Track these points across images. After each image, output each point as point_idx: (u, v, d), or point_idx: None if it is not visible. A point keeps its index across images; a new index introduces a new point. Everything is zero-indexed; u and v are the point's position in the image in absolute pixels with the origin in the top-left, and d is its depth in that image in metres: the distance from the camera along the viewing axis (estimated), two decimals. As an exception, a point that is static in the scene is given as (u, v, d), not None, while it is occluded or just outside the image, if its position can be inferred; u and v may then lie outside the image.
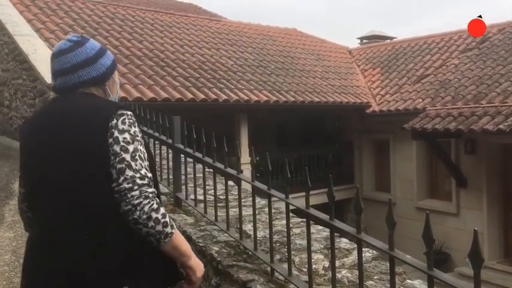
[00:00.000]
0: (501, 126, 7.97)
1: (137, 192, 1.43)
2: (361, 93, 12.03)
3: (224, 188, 2.43)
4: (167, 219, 1.48)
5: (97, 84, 1.64)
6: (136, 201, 1.42)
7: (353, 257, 2.16)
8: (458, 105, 9.51)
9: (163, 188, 3.28)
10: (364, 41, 17.06)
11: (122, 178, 1.44)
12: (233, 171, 2.28)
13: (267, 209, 2.87)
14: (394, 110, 10.90)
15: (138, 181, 1.45)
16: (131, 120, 1.54)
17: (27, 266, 1.57)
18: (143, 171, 1.48)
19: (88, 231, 1.45)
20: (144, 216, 1.43)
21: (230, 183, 2.68)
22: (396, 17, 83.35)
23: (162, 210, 1.48)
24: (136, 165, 1.47)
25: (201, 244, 2.36)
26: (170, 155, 3.07)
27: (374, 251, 2.20)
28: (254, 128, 10.33)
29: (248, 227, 2.51)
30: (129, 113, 1.56)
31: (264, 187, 2.05)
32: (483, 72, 10.46)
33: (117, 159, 1.46)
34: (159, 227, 1.45)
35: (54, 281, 1.45)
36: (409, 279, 1.95)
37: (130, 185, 1.44)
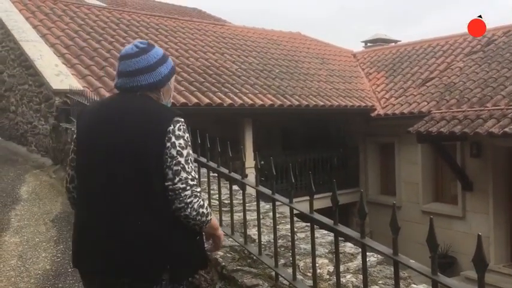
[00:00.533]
0: (507, 129, 7.93)
1: (189, 192, 1.66)
2: (366, 96, 12.02)
3: (229, 192, 2.43)
4: (209, 210, 1.75)
5: (152, 89, 1.82)
6: (188, 200, 1.66)
7: (358, 261, 2.16)
8: (464, 108, 9.47)
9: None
10: (368, 44, 17.06)
11: (177, 179, 1.66)
12: (237, 176, 2.28)
13: (271, 214, 2.88)
14: (399, 114, 10.88)
15: (190, 182, 1.68)
16: (184, 127, 1.76)
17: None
18: (193, 174, 1.71)
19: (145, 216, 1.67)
20: (194, 213, 1.68)
21: (235, 187, 2.68)
22: (400, 21, 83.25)
23: (206, 203, 1.74)
24: (189, 168, 1.70)
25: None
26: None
27: (379, 256, 2.19)
28: (259, 132, 10.34)
29: (253, 232, 2.51)
30: (182, 120, 1.76)
31: (268, 192, 2.06)
32: (488, 75, 10.43)
33: (174, 161, 1.67)
34: (204, 218, 1.72)
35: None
36: (414, 283, 1.94)
37: (184, 185, 1.66)
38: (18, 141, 8.60)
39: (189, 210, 1.66)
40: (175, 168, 1.66)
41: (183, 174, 1.66)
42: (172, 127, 1.70)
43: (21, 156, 7.67)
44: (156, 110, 1.77)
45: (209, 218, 1.75)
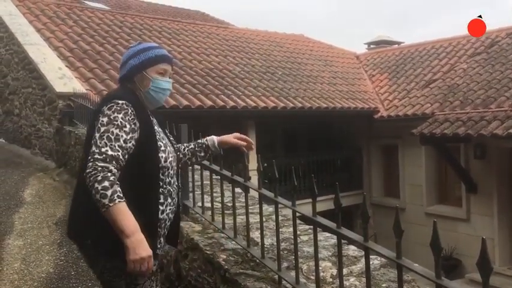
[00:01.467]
0: (511, 130, 7.90)
1: (90, 164, 1.73)
2: (369, 98, 12.00)
3: (231, 195, 2.43)
4: (107, 192, 1.68)
5: (127, 79, 2.02)
6: (88, 171, 1.72)
7: (361, 264, 2.14)
8: (467, 109, 9.44)
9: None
10: (371, 46, 17.04)
11: (90, 152, 1.77)
12: (240, 179, 2.28)
13: (274, 216, 2.87)
14: (403, 115, 10.85)
15: (96, 156, 1.74)
16: (118, 108, 1.83)
17: None
18: (104, 149, 1.75)
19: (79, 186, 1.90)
20: (90, 184, 1.70)
21: (237, 190, 2.68)
22: (402, 23, 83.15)
23: (106, 183, 1.69)
24: (101, 143, 1.77)
25: (208, 252, 2.36)
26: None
27: (383, 259, 2.18)
28: (262, 134, 10.33)
29: (255, 235, 2.50)
30: (120, 102, 1.85)
31: (271, 194, 2.05)
32: (492, 76, 10.39)
33: (94, 138, 1.80)
34: (97, 196, 1.68)
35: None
36: (418, 286, 1.93)
37: (90, 157, 1.75)
38: (22, 144, 8.62)
39: (87, 180, 1.71)
40: (92, 142, 1.79)
41: (93, 148, 1.76)
42: (105, 107, 1.84)
43: (24, 159, 7.70)
44: (106, 96, 2.01)
45: (105, 201, 1.66)
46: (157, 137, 1.96)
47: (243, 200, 2.90)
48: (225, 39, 12.76)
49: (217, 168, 2.45)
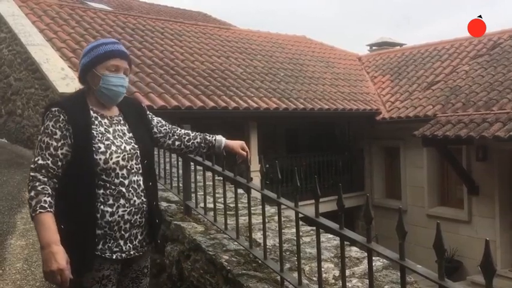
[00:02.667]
0: (513, 132, 7.89)
1: (30, 174, 1.85)
2: (371, 100, 12.00)
3: (233, 196, 2.43)
4: (32, 202, 1.79)
5: (81, 80, 2.06)
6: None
7: (363, 265, 2.15)
8: (469, 111, 9.43)
9: (173, 196, 3.29)
10: (373, 47, 17.03)
11: None
12: (243, 180, 2.28)
13: (276, 217, 2.87)
14: (404, 117, 10.84)
15: (31, 165, 1.86)
16: (51, 116, 1.89)
17: None
18: (36, 159, 1.86)
19: None
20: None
21: (240, 191, 2.68)
22: (404, 24, 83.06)
23: (32, 193, 1.80)
24: (35, 153, 1.89)
25: (211, 253, 2.36)
26: (180, 163, 3.08)
27: (385, 260, 2.18)
28: (264, 135, 10.34)
29: (258, 236, 2.51)
30: (53, 109, 1.90)
31: (273, 195, 2.05)
32: (494, 78, 10.38)
33: None
34: (28, 206, 1.82)
35: None
36: (420, 288, 1.93)
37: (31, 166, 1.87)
38: (25, 144, 8.63)
39: None
40: None
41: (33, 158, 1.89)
42: (44, 116, 1.93)
43: (26, 159, 7.70)
44: (48, 103, 2.12)
45: (30, 210, 1.80)
46: (98, 138, 1.91)
47: (245, 201, 2.90)
48: (227, 40, 12.77)
49: (219, 169, 2.45)
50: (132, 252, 1.97)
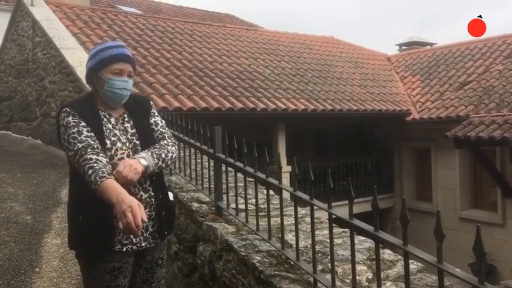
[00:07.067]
0: (550, 133, 7.65)
1: (76, 162, 1.93)
2: (401, 100, 11.82)
3: (263, 197, 2.44)
4: (91, 177, 1.81)
5: (88, 82, 2.16)
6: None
7: (397, 268, 2.12)
8: (504, 112, 9.19)
9: (204, 197, 3.33)
10: (403, 47, 16.78)
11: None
12: (275, 181, 2.28)
13: (307, 219, 2.87)
14: (436, 118, 10.64)
15: (70, 153, 1.94)
16: (65, 114, 2.00)
17: None
18: (74, 147, 1.92)
19: None
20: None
21: (270, 192, 2.68)
22: (432, 23, 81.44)
23: (89, 172, 1.82)
24: (68, 148, 1.95)
25: (242, 253, 2.37)
26: (210, 164, 3.11)
27: (419, 263, 2.15)
28: (292, 136, 10.32)
29: (289, 237, 2.51)
30: (66, 109, 2.02)
31: (306, 197, 2.06)
32: (529, 77, 10.09)
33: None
34: (89, 184, 1.83)
35: None
36: (457, 292, 1.90)
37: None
38: (58, 145, 8.86)
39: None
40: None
41: (65, 152, 2.02)
42: (59, 118, 2.04)
43: (60, 160, 7.90)
44: (59, 108, 2.14)
45: (92, 185, 1.84)
46: (105, 134, 2.02)
47: (275, 202, 2.91)
48: (254, 41, 12.81)
49: (251, 170, 2.47)
50: (143, 244, 2.06)
